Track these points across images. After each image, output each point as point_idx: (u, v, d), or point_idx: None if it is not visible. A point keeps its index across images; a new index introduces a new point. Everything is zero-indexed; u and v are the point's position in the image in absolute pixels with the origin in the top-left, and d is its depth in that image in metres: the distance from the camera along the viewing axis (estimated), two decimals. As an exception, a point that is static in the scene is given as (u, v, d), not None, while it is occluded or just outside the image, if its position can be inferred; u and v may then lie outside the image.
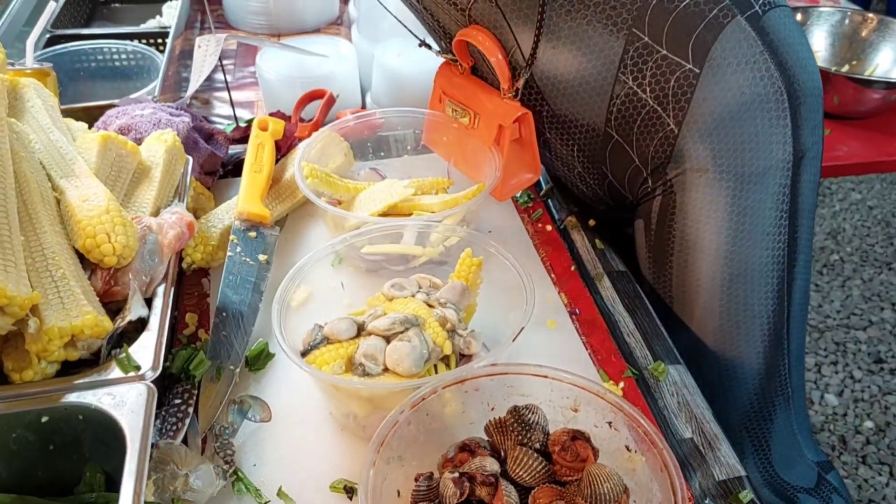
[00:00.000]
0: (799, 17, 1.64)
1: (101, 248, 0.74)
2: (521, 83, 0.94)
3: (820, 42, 1.64)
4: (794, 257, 0.94)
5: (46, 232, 0.74)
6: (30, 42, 1.01)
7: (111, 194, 0.77)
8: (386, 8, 1.11)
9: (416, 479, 0.66)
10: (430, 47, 1.04)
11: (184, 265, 0.94)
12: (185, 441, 0.75)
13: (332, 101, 1.24)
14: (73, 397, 0.68)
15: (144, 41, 1.42)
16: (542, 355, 0.84)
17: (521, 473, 0.66)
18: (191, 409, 0.77)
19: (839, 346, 2.35)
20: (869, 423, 2.13)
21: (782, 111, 0.87)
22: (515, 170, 1.00)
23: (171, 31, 1.35)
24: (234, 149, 1.17)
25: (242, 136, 1.19)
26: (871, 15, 1.61)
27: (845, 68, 1.59)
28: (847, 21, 1.62)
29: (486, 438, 0.70)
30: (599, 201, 1.06)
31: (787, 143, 0.88)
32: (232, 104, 1.32)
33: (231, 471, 0.73)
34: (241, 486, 0.73)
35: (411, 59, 1.34)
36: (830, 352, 2.34)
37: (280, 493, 0.72)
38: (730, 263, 0.92)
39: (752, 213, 0.90)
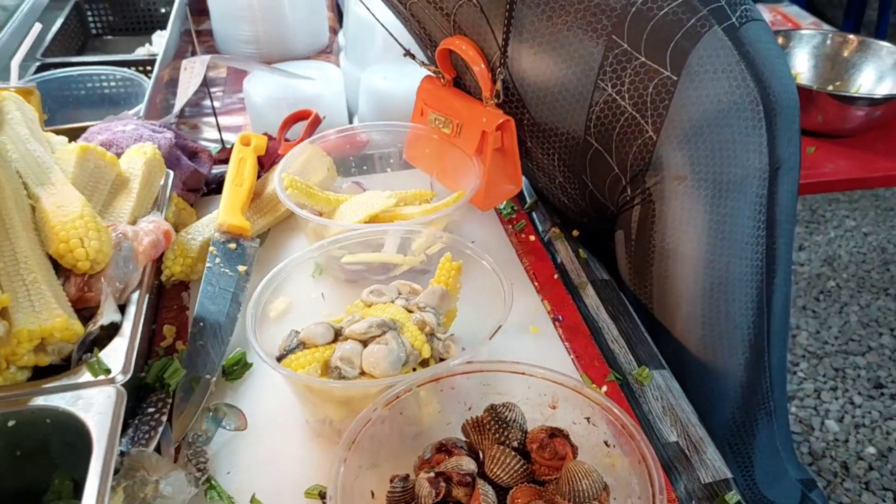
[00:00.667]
0: (781, 40, 1.66)
1: (73, 253, 0.73)
2: (499, 85, 0.94)
3: (803, 64, 1.66)
4: (773, 269, 0.94)
5: (20, 237, 0.73)
6: (14, 62, 1.02)
7: (86, 200, 0.77)
8: (373, 14, 1.12)
9: (391, 481, 0.65)
10: (413, 57, 1.05)
11: (163, 278, 0.93)
12: (157, 450, 0.74)
13: (317, 121, 1.24)
14: (40, 401, 0.66)
15: (134, 69, 1.44)
16: (523, 359, 0.83)
17: (498, 473, 0.64)
18: (164, 418, 0.76)
19: (838, 372, 2.33)
20: (871, 449, 2.09)
21: (758, 120, 0.88)
22: (497, 180, 1.00)
23: (159, 56, 1.37)
24: (218, 168, 1.17)
25: (228, 157, 1.19)
26: (851, 36, 1.63)
27: (829, 89, 1.61)
28: (829, 42, 1.64)
29: (463, 439, 0.69)
30: (582, 213, 1.06)
31: (763, 152, 0.89)
32: (218, 127, 1.33)
33: (204, 478, 0.72)
34: (214, 494, 0.71)
35: (397, 80, 1.35)
36: (829, 377, 2.31)
37: (253, 501, 0.70)
38: (710, 272, 0.92)
39: (731, 222, 0.90)
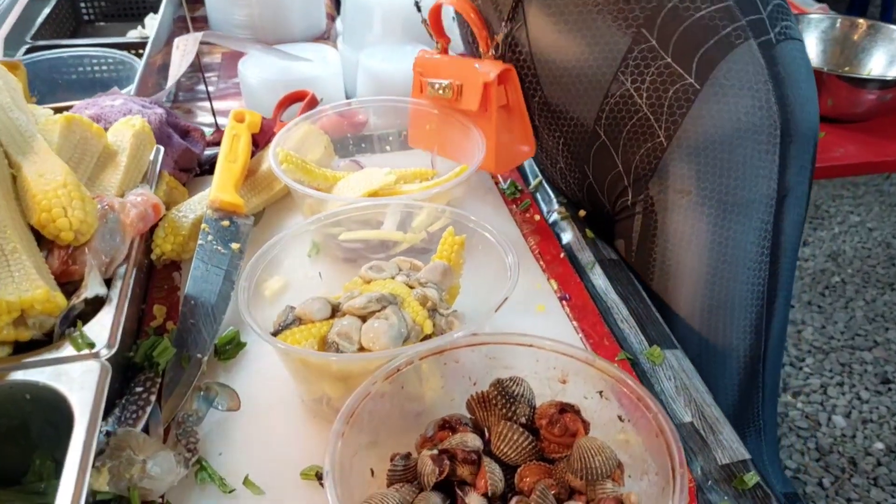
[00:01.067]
0: (788, 23, 1.62)
1: (56, 223, 0.70)
2: (500, 37, 0.91)
3: (811, 49, 1.62)
4: (774, 294, 0.92)
5: (-1, 206, 0.69)
6: (-1, 36, 0.99)
7: (69, 169, 0.73)
8: None
9: (392, 459, 0.61)
10: (419, 9, 1.02)
11: (153, 257, 0.89)
12: (146, 430, 0.70)
13: (314, 102, 1.21)
14: (19, 375, 0.63)
15: (126, 51, 1.40)
16: (529, 336, 0.80)
17: (505, 450, 0.60)
18: (153, 398, 0.72)
19: (844, 367, 2.29)
20: (879, 445, 2.06)
21: (773, 145, 0.85)
22: (508, 142, 0.96)
23: (151, 37, 1.33)
24: (212, 150, 1.14)
25: (221, 140, 1.15)
26: (860, 20, 1.59)
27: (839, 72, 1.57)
28: (837, 27, 1.61)
29: (468, 416, 0.65)
30: (577, 204, 1.03)
31: (773, 178, 0.86)
32: (213, 110, 1.29)
33: (194, 459, 0.68)
34: (205, 475, 0.67)
35: (396, 62, 1.31)
36: (836, 373, 2.27)
37: (247, 482, 0.66)
38: (709, 293, 0.90)
39: (734, 245, 0.88)
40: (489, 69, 0.91)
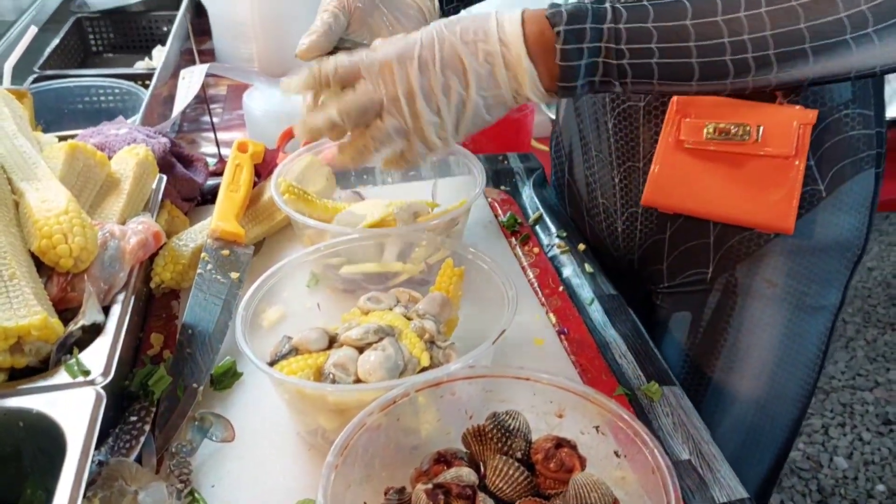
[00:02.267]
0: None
1: (56, 250, 0.70)
2: None
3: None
4: (815, 393, 0.99)
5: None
6: (7, 65, 1.00)
7: (72, 196, 0.74)
8: None
9: (386, 493, 0.60)
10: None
11: (152, 285, 0.89)
12: (139, 460, 0.69)
13: (316, 134, 1.22)
14: (12, 402, 0.62)
15: (133, 82, 1.42)
16: (526, 371, 0.79)
17: (501, 485, 0.60)
18: (147, 427, 0.71)
19: (846, 408, 2.27)
20: (881, 487, 2.03)
21: (851, 262, 0.92)
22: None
23: (158, 68, 1.35)
24: (215, 180, 1.15)
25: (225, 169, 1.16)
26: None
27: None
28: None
29: (464, 450, 0.64)
30: (581, 238, 1.03)
31: (841, 290, 0.93)
32: (216, 141, 1.31)
33: (187, 491, 0.67)
34: (197, 507, 0.66)
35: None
36: (837, 413, 2.25)
37: (238, 515, 0.66)
38: (771, 384, 0.94)
39: (801, 343, 0.93)
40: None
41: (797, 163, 0.80)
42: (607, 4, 0.67)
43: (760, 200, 0.82)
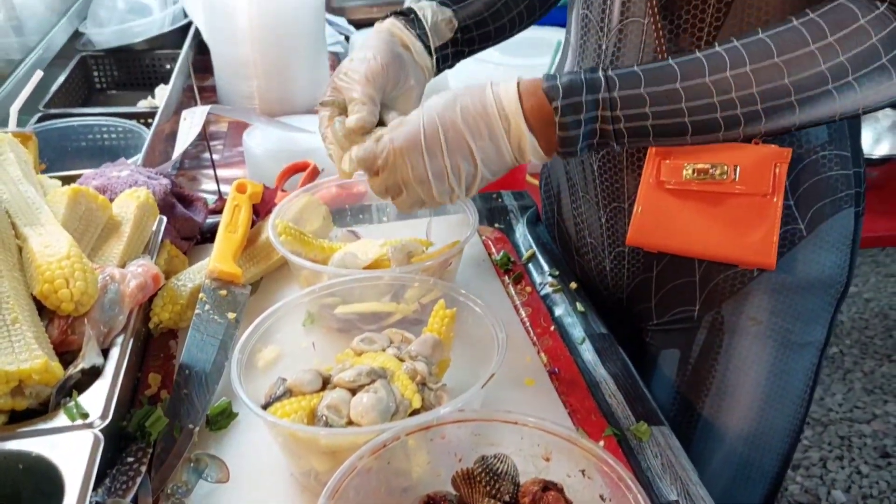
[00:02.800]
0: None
1: (58, 294, 0.72)
2: None
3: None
4: (811, 425, 0.99)
5: (3, 276, 0.72)
6: (13, 108, 1.03)
7: (74, 241, 0.76)
8: None
9: (377, 535, 0.62)
10: None
11: (151, 325, 0.91)
12: (135, 501, 0.71)
13: (315, 172, 1.25)
14: (12, 445, 0.64)
15: (135, 121, 1.45)
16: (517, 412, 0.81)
17: (489, 528, 0.61)
18: (143, 468, 0.73)
19: (843, 440, 2.27)
20: (880, 521, 2.03)
21: (835, 300, 0.94)
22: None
23: (160, 108, 1.38)
24: (214, 218, 1.17)
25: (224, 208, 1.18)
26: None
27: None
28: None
29: (453, 492, 0.66)
30: (573, 276, 1.05)
31: (826, 327, 0.95)
32: (216, 178, 1.33)
33: (181, 532, 0.68)
34: (191, 548, 0.67)
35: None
36: (835, 446, 2.25)
37: (232, 556, 0.67)
38: (759, 420, 0.96)
39: (787, 379, 0.95)
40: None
41: (775, 200, 0.82)
42: (600, 73, 0.71)
43: (742, 237, 0.84)
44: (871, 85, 0.70)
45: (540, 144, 0.72)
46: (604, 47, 0.88)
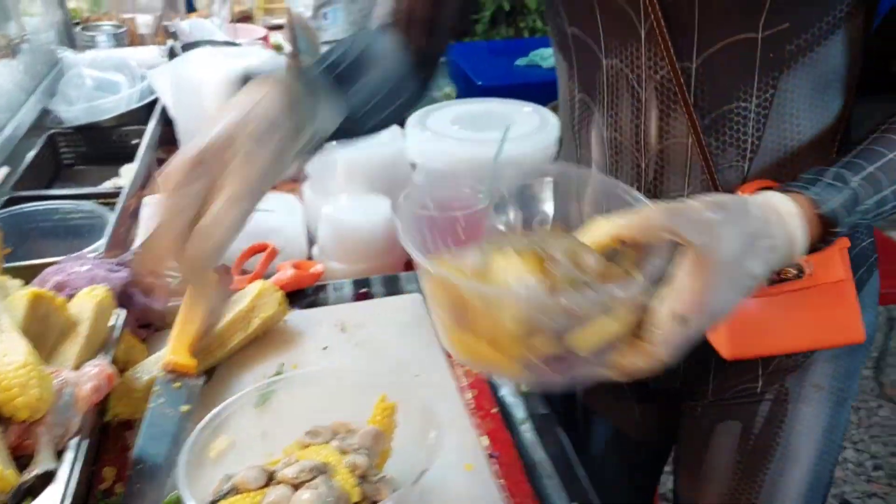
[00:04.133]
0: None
1: (14, 403, 0.76)
2: None
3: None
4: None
5: (-39, 386, 0.75)
6: (-21, 200, 1.07)
7: (32, 349, 0.80)
8: None
9: None
10: None
11: (107, 418, 0.95)
12: None
13: (273, 254, 1.30)
14: (-35, 555, 0.67)
15: (101, 201, 1.49)
16: (453, 499, 0.85)
17: None
18: (96, 566, 0.76)
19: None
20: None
21: (868, 353, 1.03)
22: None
23: (125, 189, 1.43)
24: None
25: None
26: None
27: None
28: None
29: (387, 587, 0.70)
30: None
31: (858, 380, 1.03)
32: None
33: None
34: None
35: (357, 213, 1.41)
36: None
37: None
38: (812, 474, 1.01)
39: (837, 431, 1.01)
40: None
41: (849, 283, 0.85)
42: (851, 182, 0.73)
43: (829, 322, 0.87)
44: None
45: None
46: (643, 167, 0.89)
